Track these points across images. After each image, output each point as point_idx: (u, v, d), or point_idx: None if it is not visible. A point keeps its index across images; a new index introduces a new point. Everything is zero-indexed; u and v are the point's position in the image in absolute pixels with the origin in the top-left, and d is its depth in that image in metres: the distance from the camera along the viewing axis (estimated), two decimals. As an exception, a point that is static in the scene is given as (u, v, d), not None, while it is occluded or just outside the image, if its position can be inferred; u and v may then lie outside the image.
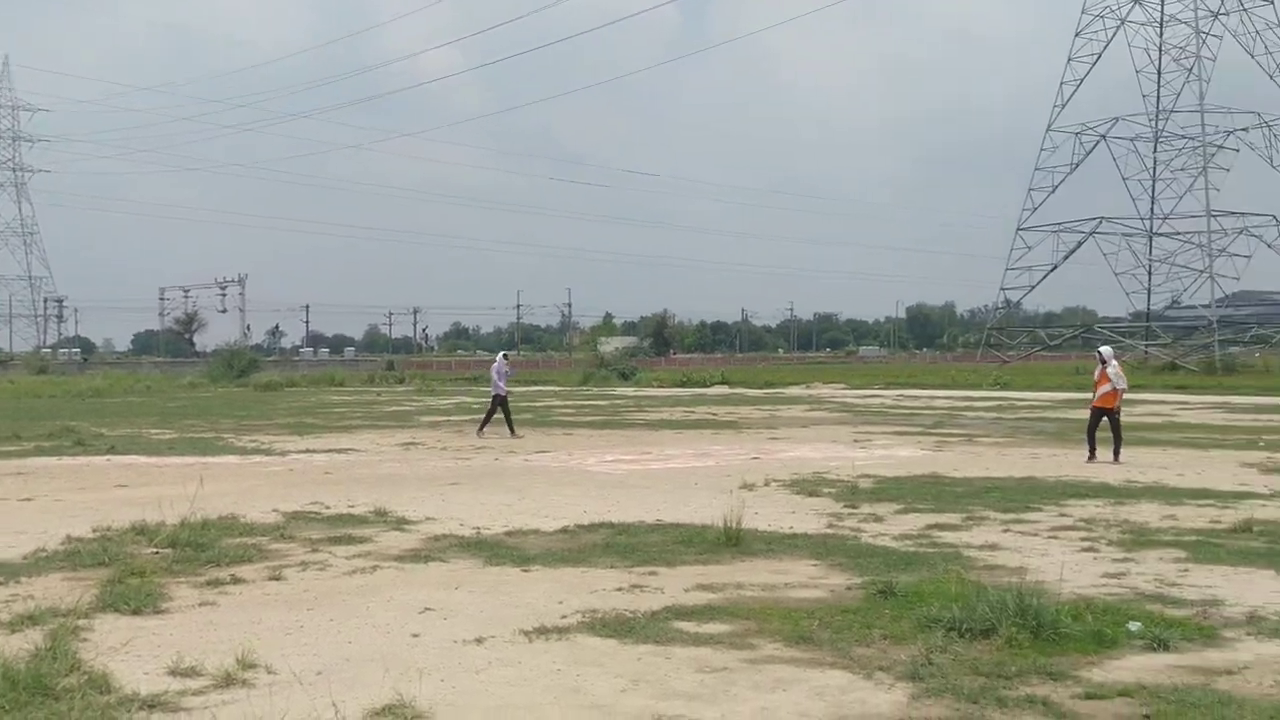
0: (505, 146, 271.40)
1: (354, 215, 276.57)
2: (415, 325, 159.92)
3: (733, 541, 10.81)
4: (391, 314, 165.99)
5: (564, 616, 8.09)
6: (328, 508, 13.79)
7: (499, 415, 26.20)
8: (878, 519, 12.73)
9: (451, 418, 33.75)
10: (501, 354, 29.36)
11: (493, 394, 26.47)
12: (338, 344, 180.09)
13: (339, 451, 22.20)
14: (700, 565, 10.00)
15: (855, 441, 23.65)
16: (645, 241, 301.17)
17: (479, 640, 7.48)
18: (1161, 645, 7.13)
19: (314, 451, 22.20)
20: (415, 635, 7.68)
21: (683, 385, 59.61)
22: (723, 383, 60.55)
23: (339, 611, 8.39)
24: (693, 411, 35.85)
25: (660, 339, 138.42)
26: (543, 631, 7.67)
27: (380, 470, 18.57)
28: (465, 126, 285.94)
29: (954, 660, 6.83)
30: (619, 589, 9.04)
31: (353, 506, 13.85)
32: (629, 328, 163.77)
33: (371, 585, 9.35)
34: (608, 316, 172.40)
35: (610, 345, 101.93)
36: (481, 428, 26.33)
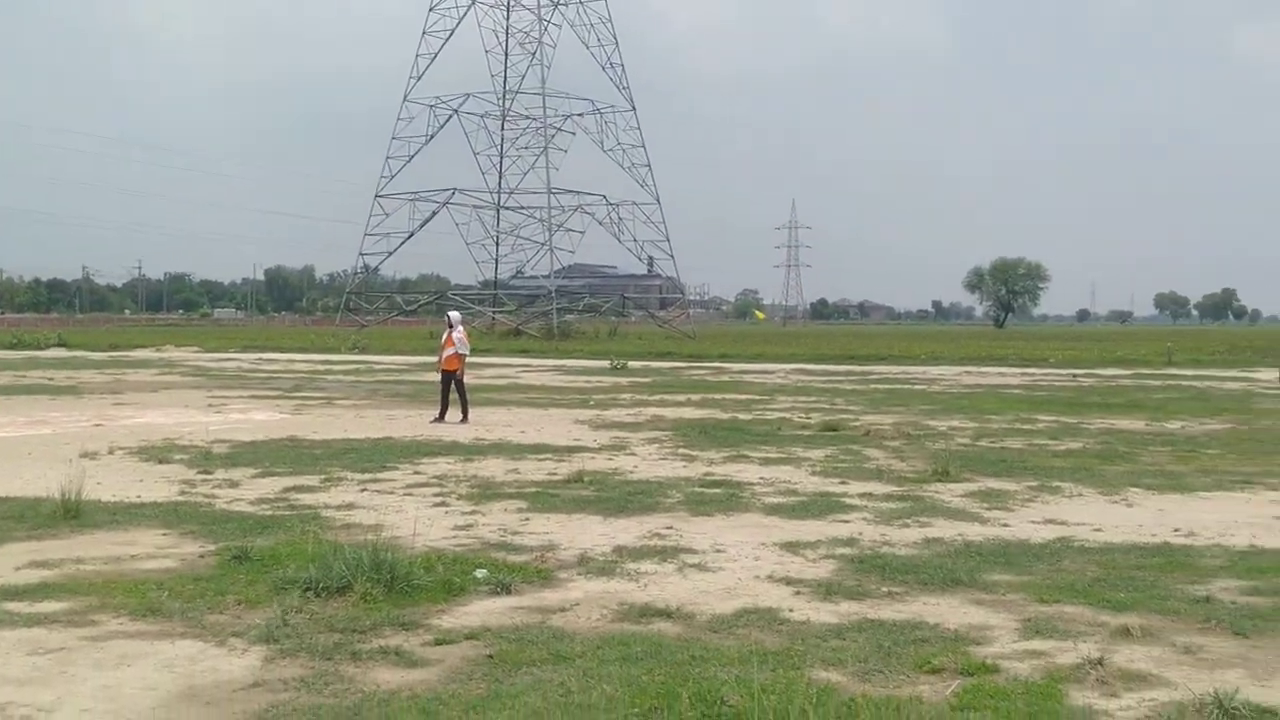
0: None
1: None
2: None
3: (72, 514, 10.01)
4: None
5: None
6: None
7: None
8: (233, 484, 12.41)
9: None
10: None
11: None
12: None
13: None
14: (34, 541, 9.16)
15: (210, 406, 22.85)
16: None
17: None
18: (504, 589, 7.66)
19: None
20: None
21: (13, 348, 54.05)
22: (60, 345, 55.74)
23: None
24: (25, 375, 32.61)
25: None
26: None
27: None
28: None
29: (310, 619, 6.86)
30: (-68, 574, 8.03)
31: None
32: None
33: None
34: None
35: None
36: None
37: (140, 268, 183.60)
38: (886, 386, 31.30)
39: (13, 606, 7.11)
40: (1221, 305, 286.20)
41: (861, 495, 11.97)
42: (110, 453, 14.90)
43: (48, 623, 6.78)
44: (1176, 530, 10.13)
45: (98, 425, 18.61)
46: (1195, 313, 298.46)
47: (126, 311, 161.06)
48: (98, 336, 67.61)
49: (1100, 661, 6.07)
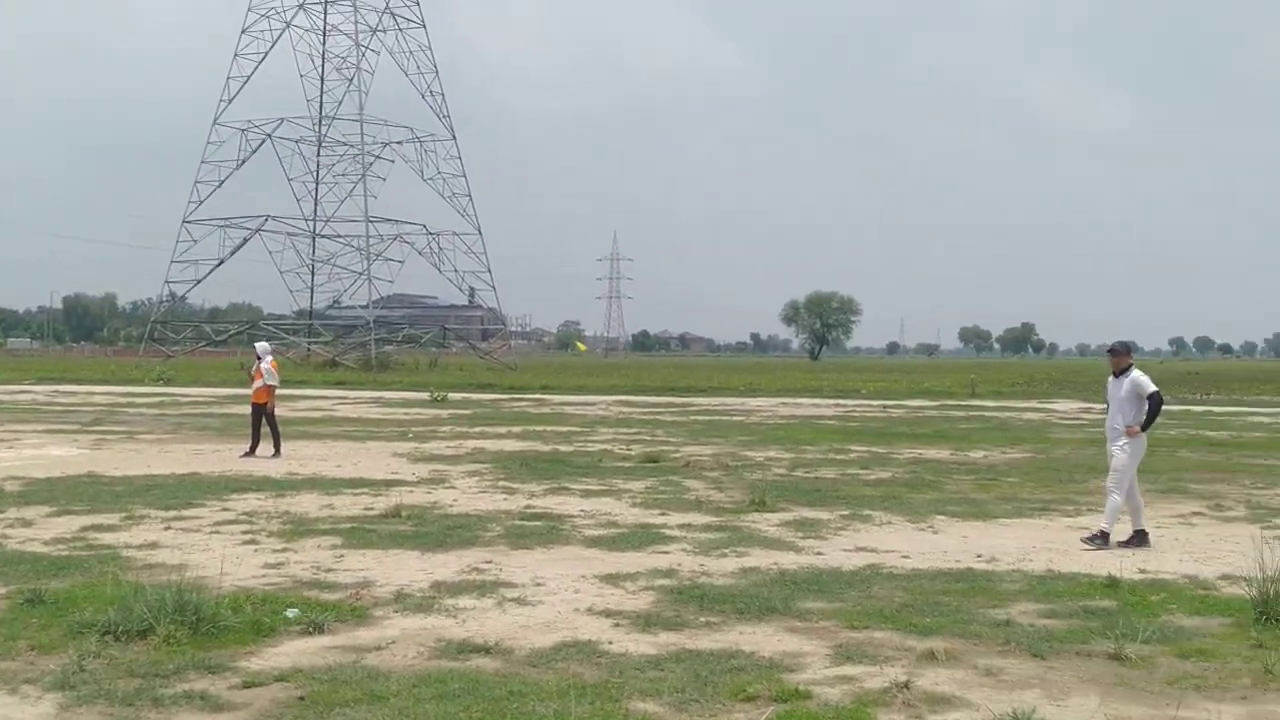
0: None
1: None
2: None
3: None
4: None
5: None
6: None
7: None
8: (26, 523, 11.77)
9: None
10: None
11: None
12: None
13: None
14: None
15: (1, 441, 21.66)
16: None
17: None
18: (317, 629, 7.45)
19: None
20: None
21: None
22: None
23: None
24: None
25: None
26: None
27: None
28: None
29: (109, 664, 6.54)
30: None
31: None
32: None
33: None
34: None
35: None
36: None
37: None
38: (706, 418, 31.75)
39: None
40: (1021, 339, 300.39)
41: (681, 526, 12.10)
42: (-111, 491, 13.99)
43: None
44: (979, 556, 10.55)
45: (-125, 462, 17.44)
46: (997, 346, 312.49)
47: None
48: (-123, 367, 63.44)
49: (907, 685, 6.26)
